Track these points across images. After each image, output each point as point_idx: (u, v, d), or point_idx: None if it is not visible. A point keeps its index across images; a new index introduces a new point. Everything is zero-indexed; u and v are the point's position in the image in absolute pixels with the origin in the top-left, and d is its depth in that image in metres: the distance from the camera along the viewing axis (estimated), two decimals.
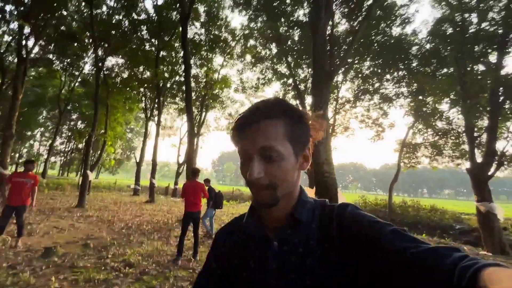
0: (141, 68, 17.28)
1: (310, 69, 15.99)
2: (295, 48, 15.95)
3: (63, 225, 6.17)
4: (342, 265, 0.48)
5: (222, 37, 16.89)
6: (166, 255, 4.44)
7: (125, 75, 18.02)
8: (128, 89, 17.38)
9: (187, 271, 3.77)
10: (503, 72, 7.99)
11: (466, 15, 9.44)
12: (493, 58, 8.86)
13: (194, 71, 18.08)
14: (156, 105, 18.33)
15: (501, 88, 7.60)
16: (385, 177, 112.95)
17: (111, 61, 17.81)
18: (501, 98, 7.76)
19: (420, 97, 11.56)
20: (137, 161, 18.38)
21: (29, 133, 32.59)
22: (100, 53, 13.25)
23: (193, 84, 18.82)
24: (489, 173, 7.28)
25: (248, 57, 18.47)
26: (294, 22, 14.95)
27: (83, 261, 3.85)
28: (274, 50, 16.62)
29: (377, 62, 13.39)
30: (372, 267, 0.43)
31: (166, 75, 16.83)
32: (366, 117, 16.25)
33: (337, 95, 15.81)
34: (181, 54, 13.51)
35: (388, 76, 13.68)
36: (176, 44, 15.82)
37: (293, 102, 18.21)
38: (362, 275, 0.45)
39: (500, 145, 8.03)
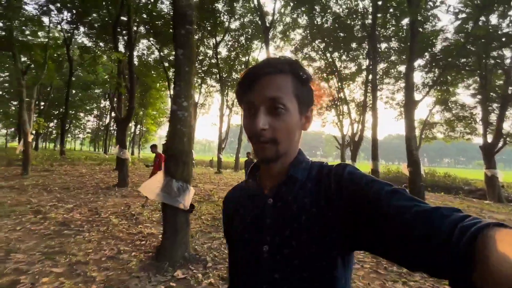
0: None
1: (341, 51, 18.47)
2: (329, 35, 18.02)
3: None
4: (338, 223, 0.48)
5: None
6: None
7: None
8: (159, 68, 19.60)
9: None
10: None
11: (490, 16, 11.58)
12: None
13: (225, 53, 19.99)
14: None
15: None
16: (389, 147, 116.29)
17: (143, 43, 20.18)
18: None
19: (444, 87, 14.05)
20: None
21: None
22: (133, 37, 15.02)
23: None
24: (496, 149, 10.23)
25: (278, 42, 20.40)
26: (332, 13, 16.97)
27: None
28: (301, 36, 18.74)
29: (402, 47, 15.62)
30: (370, 226, 0.43)
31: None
32: (390, 99, 19.04)
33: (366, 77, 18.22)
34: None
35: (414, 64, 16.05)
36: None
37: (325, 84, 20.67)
38: (358, 234, 0.45)
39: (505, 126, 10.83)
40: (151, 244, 3.53)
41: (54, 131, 35.87)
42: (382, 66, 18.11)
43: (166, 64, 18.89)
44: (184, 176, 3.16)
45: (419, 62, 15.65)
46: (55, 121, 32.60)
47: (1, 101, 27.93)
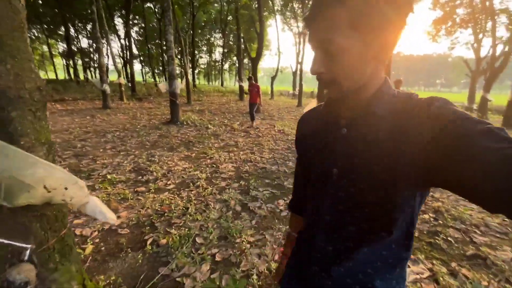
0: None
1: None
2: None
3: None
4: (416, 159, 0.45)
5: None
6: None
7: None
8: None
9: None
10: None
11: None
12: None
13: None
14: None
15: None
16: None
17: None
18: None
19: None
20: (293, 70, 22.44)
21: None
22: None
23: None
24: None
25: None
26: None
27: None
28: None
29: None
30: (451, 164, 0.40)
31: None
32: None
33: None
34: None
35: None
36: None
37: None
38: (438, 171, 0.43)
39: None
40: None
41: (177, 68, 43.76)
42: None
43: None
44: None
45: None
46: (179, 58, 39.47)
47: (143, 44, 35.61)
